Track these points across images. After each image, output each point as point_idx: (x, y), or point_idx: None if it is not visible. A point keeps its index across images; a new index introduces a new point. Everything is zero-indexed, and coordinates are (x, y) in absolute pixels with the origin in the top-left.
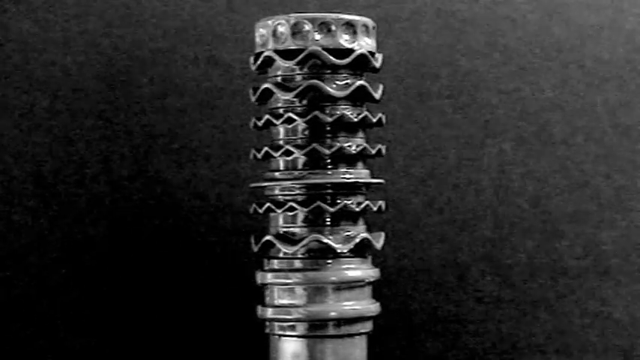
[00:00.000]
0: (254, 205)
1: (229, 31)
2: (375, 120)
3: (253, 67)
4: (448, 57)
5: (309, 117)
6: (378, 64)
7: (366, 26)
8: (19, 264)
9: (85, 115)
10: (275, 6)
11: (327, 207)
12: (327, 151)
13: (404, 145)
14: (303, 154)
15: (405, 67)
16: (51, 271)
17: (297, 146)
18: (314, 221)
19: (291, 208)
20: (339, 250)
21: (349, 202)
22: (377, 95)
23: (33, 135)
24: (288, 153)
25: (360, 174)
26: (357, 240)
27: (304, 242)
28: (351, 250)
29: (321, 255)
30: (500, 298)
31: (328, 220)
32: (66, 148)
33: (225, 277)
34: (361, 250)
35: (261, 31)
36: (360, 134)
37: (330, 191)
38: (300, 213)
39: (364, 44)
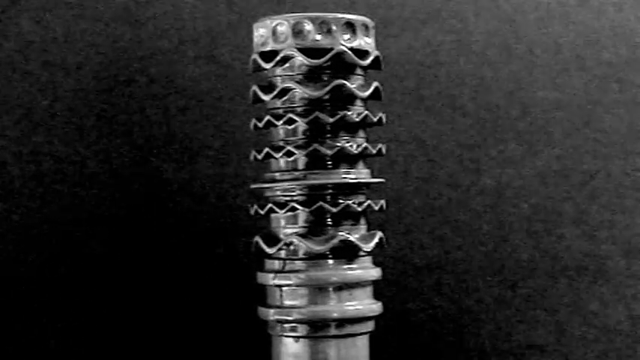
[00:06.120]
0: (269, 205)
1: (229, 31)
2: (384, 120)
3: (268, 65)
4: (448, 57)
5: (337, 117)
6: (382, 66)
7: (375, 27)
8: (19, 264)
9: (85, 115)
10: (275, 6)
11: (356, 207)
12: (355, 151)
13: (404, 145)
14: (331, 153)
15: (405, 67)
16: (51, 271)
17: (321, 144)
18: (339, 221)
19: (320, 208)
20: (364, 249)
21: (372, 201)
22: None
23: (33, 135)
24: (314, 152)
25: (360, 173)
26: (377, 239)
27: (334, 241)
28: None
29: (335, 255)
30: (501, 298)
31: (350, 219)
32: (66, 148)
33: (225, 277)
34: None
35: (279, 29)
36: (362, 134)
37: (333, 191)
38: (321, 213)
39: (374, 45)
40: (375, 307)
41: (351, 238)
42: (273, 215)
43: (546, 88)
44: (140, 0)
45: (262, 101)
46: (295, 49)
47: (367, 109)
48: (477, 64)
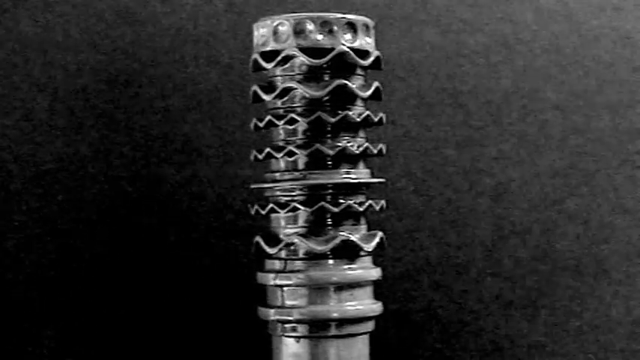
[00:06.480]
0: (270, 205)
1: (229, 31)
2: (384, 120)
3: (269, 65)
4: (448, 57)
5: (339, 117)
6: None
7: (375, 27)
8: (19, 264)
9: (85, 115)
10: (275, 6)
11: (357, 207)
12: (357, 151)
13: (404, 145)
14: (333, 153)
15: (405, 67)
16: (51, 271)
17: (323, 144)
18: (339, 221)
19: (322, 208)
20: (365, 249)
21: (372, 201)
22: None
23: (33, 135)
24: (316, 151)
25: (361, 173)
26: (377, 239)
27: (336, 241)
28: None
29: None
30: (500, 298)
31: (351, 219)
32: (66, 148)
33: (225, 277)
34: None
35: (280, 29)
36: (362, 134)
37: (333, 191)
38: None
39: (374, 45)
40: (375, 307)
41: (353, 238)
42: (273, 215)
43: (546, 88)
44: (140, 0)
45: (262, 101)
46: (297, 49)
47: (367, 109)
48: (477, 64)
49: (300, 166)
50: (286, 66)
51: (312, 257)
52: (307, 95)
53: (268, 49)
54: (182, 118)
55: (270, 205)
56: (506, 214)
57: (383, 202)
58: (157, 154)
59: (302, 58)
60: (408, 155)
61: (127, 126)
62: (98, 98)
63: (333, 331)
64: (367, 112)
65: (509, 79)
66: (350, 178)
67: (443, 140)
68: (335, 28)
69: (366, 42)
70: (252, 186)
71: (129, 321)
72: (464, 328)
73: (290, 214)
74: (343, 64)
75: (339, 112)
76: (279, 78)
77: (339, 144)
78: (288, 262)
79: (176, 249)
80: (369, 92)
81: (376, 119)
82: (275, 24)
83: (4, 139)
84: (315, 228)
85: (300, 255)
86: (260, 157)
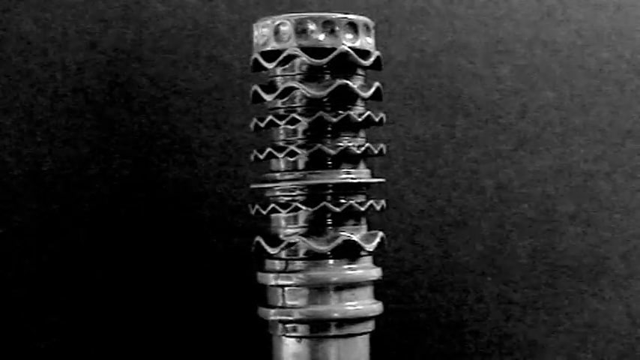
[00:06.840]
0: (272, 205)
1: (229, 31)
2: (385, 120)
3: (270, 64)
4: (448, 57)
5: (340, 117)
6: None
7: (375, 27)
8: (19, 264)
9: (85, 115)
10: (275, 6)
11: (358, 207)
12: (358, 151)
13: (404, 145)
14: (335, 153)
15: (405, 67)
16: (51, 271)
17: (324, 144)
18: (340, 221)
19: (323, 208)
20: (366, 249)
21: (373, 201)
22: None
23: (33, 135)
24: (318, 151)
25: (361, 173)
26: (378, 239)
27: (338, 241)
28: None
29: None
30: (500, 298)
31: (352, 219)
32: (66, 148)
33: (225, 277)
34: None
35: (281, 28)
36: (363, 134)
37: (333, 191)
38: (321, 213)
39: (374, 45)
40: (375, 307)
41: (354, 237)
42: (274, 215)
43: (546, 88)
44: (140, 0)
45: (263, 101)
46: (298, 49)
47: (368, 109)
48: (477, 64)
49: (301, 166)
50: (287, 66)
51: (313, 257)
52: (308, 95)
53: (269, 48)
54: (182, 118)
55: (271, 205)
56: (506, 214)
57: (383, 202)
58: (157, 154)
59: (303, 58)
60: (408, 155)
61: (126, 126)
62: (98, 98)
63: (333, 331)
64: (368, 112)
65: (509, 79)
66: (351, 178)
67: (443, 140)
68: (336, 28)
69: (366, 42)
70: (253, 186)
71: (129, 321)
72: (464, 328)
73: (291, 214)
74: (344, 64)
75: (340, 112)
76: (280, 78)
77: (341, 144)
78: (289, 262)
79: (176, 249)
80: (370, 92)
81: (377, 119)
82: (276, 23)
83: (4, 139)
84: (315, 228)
85: (301, 255)
86: (261, 157)
